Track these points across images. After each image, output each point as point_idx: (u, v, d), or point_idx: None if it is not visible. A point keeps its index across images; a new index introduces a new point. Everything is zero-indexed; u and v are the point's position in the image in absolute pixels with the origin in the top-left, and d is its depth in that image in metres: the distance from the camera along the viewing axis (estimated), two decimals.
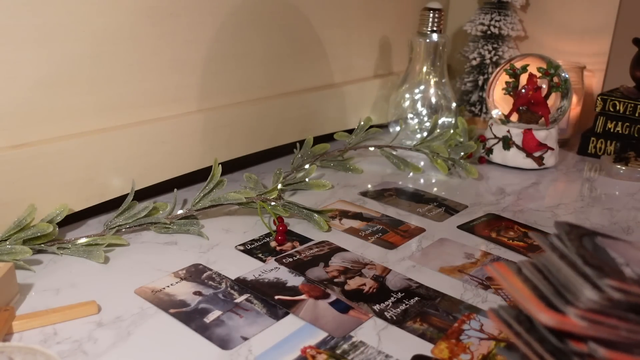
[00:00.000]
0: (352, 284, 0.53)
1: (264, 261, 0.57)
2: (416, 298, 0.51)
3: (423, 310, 0.49)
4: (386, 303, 0.50)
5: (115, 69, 0.61)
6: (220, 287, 0.51)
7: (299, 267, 0.55)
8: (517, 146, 0.87)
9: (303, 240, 0.62)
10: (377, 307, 0.49)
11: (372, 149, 0.89)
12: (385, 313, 0.48)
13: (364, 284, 0.53)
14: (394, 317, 0.48)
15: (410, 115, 0.97)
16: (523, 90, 0.85)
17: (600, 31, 1.04)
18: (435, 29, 0.93)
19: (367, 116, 0.93)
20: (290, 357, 0.42)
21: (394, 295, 0.51)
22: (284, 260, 0.57)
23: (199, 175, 0.72)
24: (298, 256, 0.58)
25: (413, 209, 0.71)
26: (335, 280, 0.53)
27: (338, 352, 0.43)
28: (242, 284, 0.52)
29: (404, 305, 0.50)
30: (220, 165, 0.65)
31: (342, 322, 0.47)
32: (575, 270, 0.34)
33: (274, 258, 0.57)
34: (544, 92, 0.85)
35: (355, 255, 0.58)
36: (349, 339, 0.45)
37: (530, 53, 0.91)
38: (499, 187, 0.80)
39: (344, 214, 0.69)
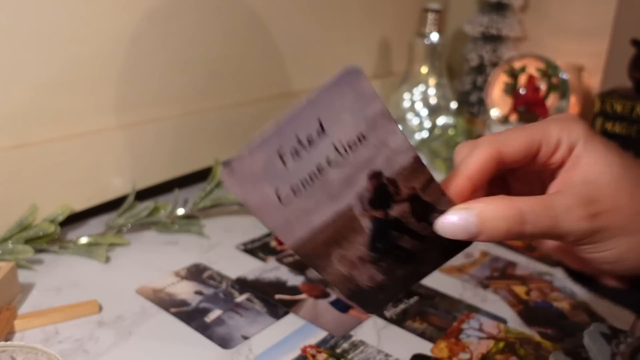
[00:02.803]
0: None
1: (264, 260, 0.57)
2: (416, 297, 0.51)
3: (422, 309, 0.50)
4: None
5: (116, 69, 0.61)
6: (221, 287, 0.52)
7: (299, 266, 0.56)
8: None
9: None
10: None
11: None
12: (385, 312, 0.49)
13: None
14: (394, 317, 0.48)
15: (409, 116, 0.97)
16: (522, 91, 0.86)
17: (598, 31, 1.04)
18: (434, 29, 0.94)
19: None
20: (291, 356, 0.43)
21: None
22: (284, 259, 0.57)
23: (200, 175, 0.72)
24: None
25: None
26: None
27: (338, 351, 0.43)
28: (242, 284, 0.52)
29: (403, 304, 0.50)
30: (220, 165, 0.65)
31: (342, 321, 0.47)
32: None
33: (275, 257, 0.57)
34: (542, 93, 0.85)
35: None
36: (349, 338, 0.45)
37: (529, 54, 0.91)
38: None
39: None
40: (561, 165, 0.31)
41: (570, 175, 0.30)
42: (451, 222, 0.29)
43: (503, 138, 0.30)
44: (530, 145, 0.30)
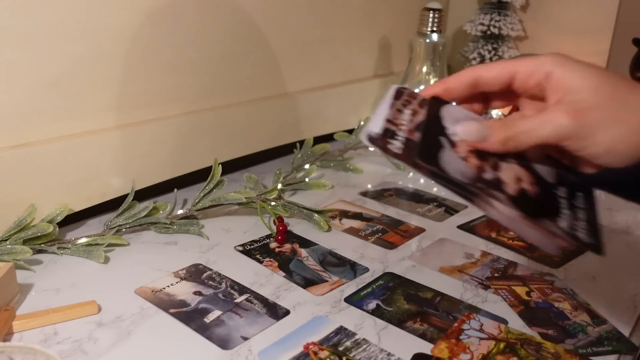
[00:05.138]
0: (508, 179, 0.37)
1: (261, 262, 0.57)
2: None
3: (423, 310, 0.49)
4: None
5: (115, 69, 0.61)
6: (221, 287, 0.51)
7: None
8: None
9: (303, 240, 0.62)
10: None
11: (372, 149, 0.89)
12: (386, 314, 0.48)
13: (520, 179, 0.38)
14: (394, 318, 0.48)
15: None
16: None
17: (600, 31, 1.04)
18: (435, 29, 0.93)
19: (367, 116, 0.93)
20: (293, 352, 0.43)
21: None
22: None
23: (199, 175, 0.72)
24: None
25: (413, 209, 0.71)
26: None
27: (340, 348, 0.43)
28: (241, 285, 0.52)
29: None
30: (220, 165, 0.65)
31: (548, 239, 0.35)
32: None
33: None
34: None
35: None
36: (352, 336, 0.45)
37: (530, 53, 0.91)
38: None
39: (344, 214, 0.69)
40: (542, 89, 0.37)
41: (552, 94, 0.36)
42: (469, 127, 0.37)
43: (483, 66, 0.39)
44: (504, 72, 0.38)
